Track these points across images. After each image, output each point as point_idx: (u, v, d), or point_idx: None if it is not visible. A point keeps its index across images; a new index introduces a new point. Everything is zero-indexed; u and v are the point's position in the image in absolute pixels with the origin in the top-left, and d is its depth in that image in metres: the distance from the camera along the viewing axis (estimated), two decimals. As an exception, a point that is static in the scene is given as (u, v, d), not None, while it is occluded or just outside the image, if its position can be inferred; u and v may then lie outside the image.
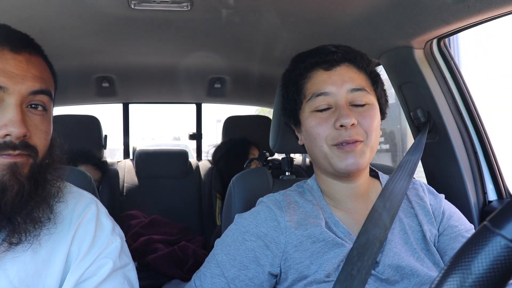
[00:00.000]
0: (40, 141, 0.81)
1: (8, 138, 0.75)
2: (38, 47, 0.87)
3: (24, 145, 0.77)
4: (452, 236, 1.02)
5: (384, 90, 1.08)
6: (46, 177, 0.84)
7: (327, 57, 1.02)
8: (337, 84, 0.99)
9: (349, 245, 0.95)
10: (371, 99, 1.01)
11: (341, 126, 0.95)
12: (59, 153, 0.89)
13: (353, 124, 0.95)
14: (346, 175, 1.01)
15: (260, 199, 1.08)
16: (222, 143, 2.75)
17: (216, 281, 0.96)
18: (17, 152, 0.76)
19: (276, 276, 0.98)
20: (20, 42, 0.81)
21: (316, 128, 0.99)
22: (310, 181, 1.11)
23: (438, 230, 1.03)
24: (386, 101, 1.09)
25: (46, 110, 0.84)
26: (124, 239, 0.95)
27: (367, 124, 0.98)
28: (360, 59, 1.03)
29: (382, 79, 1.09)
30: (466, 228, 1.04)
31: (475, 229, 1.06)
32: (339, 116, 0.96)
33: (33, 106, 0.81)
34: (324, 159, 1.00)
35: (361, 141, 0.97)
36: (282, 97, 1.13)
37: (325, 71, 1.01)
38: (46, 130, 0.83)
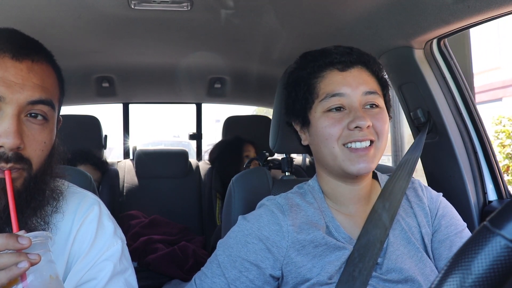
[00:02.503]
0: (36, 152, 0.79)
1: (1, 150, 0.73)
2: (45, 52, 0.84)
3: (17, 158, 0.75)
4: (441, 239, 1.01)
5: (389, 96, 1.09)
6: (42, 188, 0.82)
7: (342, 57, 1.01)
8: (352, 85, 0.98)
9: (350, 248, 0.95)
10: (382, 102, 1.02)
11: (356, 127, 0.95)
12: (59, 160, 0.87)
13: (368, 126, 0.95)
14: (354, 177, 1.00)
15: (262, 201, 1.07)
16: (216, 145, 2.77)
17: (216, 281, 0.96)
18: (9, 165, 0.74)
19: (278, 279, 0.98)
20: (23, 49, 0.78)
21: (329, 129, 0.98)
22: (311, 181, 1.10)
23: (431, 230, 1.03)
24: (390, 106, 1.09)
25: (47, 119, 0.81)
26: (125, 242, 0.94)
27: (380, 127, 0.98)
28: (373, 63, 1.03)
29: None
30: (457, 230, 1.02)
31: (470, 229, 1.06)
32: (355, 117, 0.95)
33: (32, 115, 0.79)
34: (334, 161, 0.99)
35: (373, 141, 0.97)
36: (289, 96, 1.10)
37: (340, 71, 1.00)
38: (45, 141, 0.81)
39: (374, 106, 0.99)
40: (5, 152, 0.73)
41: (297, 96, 1.06)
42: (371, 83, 1.00)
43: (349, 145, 0.96)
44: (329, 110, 0.99)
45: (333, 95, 0.98)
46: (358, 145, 0.96)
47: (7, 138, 0.73)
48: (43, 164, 0.81)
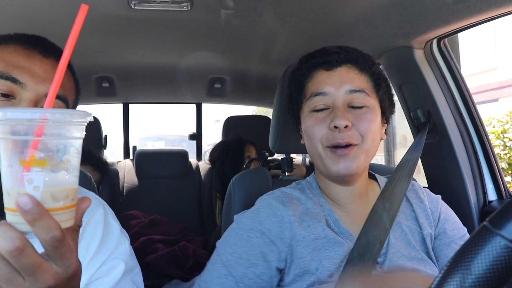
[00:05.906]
0: None
1: None
2: (70, 65, 0.89)
3: None
4: (446, 242, 1.02)
5: (389, 94, 1.07)
6: None
7: (329, 57, 1.01)
8: (336, 84, 0.98)
9: (349, 244, 0.95)
10: (371, 101, 1.00)
11: (335, 127, 0.95)
12: None
13: (347, 126, 0.95)
14: (340, 179, 1.00)
15: (260, 197, 1.07)
16: (217, 145, 2.76)
17: (224, 281, 0.94)
18: None
19: (281, 270, 0.98)
20: (51, 50, 0.85)
21: (312, 128, 0.99)
22: (309, 178, 1.11)
23: (434, 233, 1.03)
24: (391, 104, 1.07)
25: None
26: (130, 241, 0.96)
27: (363, 127, 0.96)
28: (363, 61, 1.02)
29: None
30: (460, 234, 1.03)
31: (470, 229, 1.06)
32: (334, 117, 0.95)
33: None
34: (319, 160, 1.00)
35: (355, 145, 0.96)
36: (287, 96, 1.13)
37: (326, 71, 1.01)
38: None
39: (359, 106, 0.98)
40: None
41: (291, 96, 1.09)
42: (357, 81, 0.99)
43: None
44: (314, 110, 1.00)
45: (317, 94, 1.00)
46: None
47: None
48: None
